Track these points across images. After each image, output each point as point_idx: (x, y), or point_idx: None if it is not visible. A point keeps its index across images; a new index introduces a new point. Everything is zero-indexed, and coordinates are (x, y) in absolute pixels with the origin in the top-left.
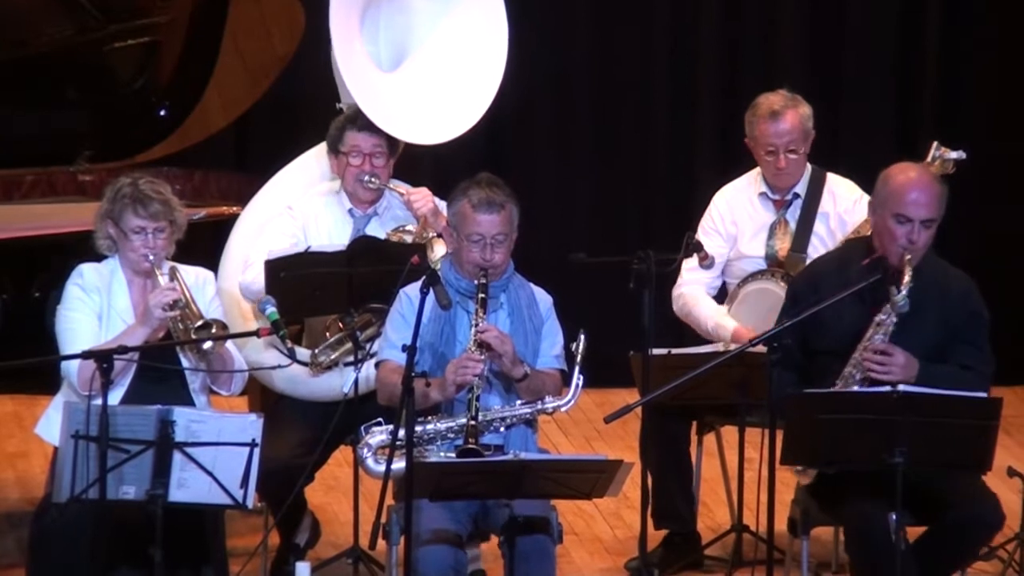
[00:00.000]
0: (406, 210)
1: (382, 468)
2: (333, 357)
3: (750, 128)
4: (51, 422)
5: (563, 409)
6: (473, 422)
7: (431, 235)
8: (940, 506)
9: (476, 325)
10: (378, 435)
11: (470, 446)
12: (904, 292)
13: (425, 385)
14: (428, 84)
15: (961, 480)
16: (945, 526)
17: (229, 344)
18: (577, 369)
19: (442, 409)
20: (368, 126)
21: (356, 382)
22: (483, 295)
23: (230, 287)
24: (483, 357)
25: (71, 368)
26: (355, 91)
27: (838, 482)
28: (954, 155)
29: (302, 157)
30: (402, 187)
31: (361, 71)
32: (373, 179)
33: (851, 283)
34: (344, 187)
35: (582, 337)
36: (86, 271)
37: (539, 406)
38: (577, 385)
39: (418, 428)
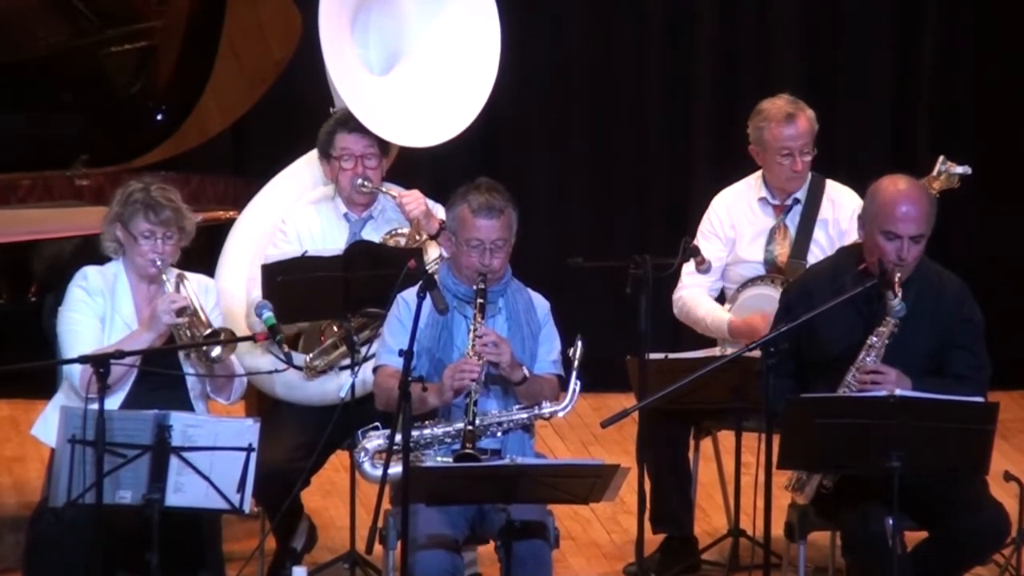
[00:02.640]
0: (399, 213)
1: (379, 472)
2: (328, 360)
3: (758, 134)
4: (48, 423)
5: (560, 415)
6: (470, 427)
7: (423, 237)
8: (943, 513)
9: (475, 330)
10: (375, 439)
11: (467, 451)
12: (900, 297)
13: (422, 390)
14: (421, 87)
15: (966, 487)
16: (948, 534)
17: None
18: (575, 375)
19: (439, 414)
20: (357, 127)
21: (353, 386)
22: (481, 300)
23: (227, 291)
24: (480, 362)
25: (74, 370)
26: (346, 95)
27: (835, 486)
28: (959, 170)
29: (294, 164)
30: (394, 190)
31: (352, 74)
32: (366, 183)
33: (845, 291)
34: (340, 192)
35: (580, 343)
36: (90, 273)
37: (536, 411)
38: (574, 390)
39: (415, 433)
